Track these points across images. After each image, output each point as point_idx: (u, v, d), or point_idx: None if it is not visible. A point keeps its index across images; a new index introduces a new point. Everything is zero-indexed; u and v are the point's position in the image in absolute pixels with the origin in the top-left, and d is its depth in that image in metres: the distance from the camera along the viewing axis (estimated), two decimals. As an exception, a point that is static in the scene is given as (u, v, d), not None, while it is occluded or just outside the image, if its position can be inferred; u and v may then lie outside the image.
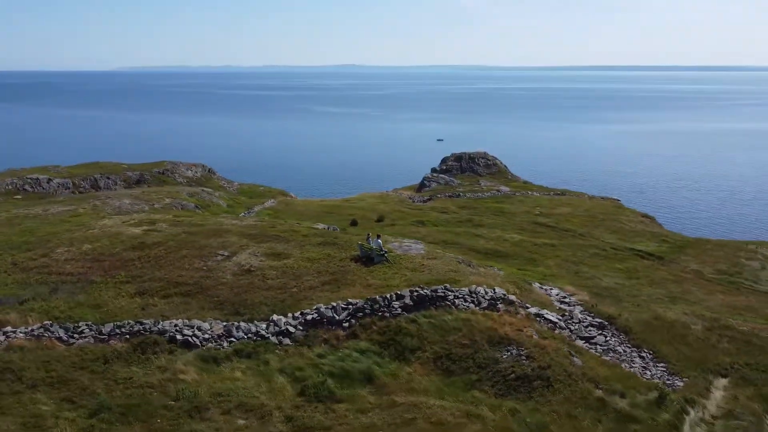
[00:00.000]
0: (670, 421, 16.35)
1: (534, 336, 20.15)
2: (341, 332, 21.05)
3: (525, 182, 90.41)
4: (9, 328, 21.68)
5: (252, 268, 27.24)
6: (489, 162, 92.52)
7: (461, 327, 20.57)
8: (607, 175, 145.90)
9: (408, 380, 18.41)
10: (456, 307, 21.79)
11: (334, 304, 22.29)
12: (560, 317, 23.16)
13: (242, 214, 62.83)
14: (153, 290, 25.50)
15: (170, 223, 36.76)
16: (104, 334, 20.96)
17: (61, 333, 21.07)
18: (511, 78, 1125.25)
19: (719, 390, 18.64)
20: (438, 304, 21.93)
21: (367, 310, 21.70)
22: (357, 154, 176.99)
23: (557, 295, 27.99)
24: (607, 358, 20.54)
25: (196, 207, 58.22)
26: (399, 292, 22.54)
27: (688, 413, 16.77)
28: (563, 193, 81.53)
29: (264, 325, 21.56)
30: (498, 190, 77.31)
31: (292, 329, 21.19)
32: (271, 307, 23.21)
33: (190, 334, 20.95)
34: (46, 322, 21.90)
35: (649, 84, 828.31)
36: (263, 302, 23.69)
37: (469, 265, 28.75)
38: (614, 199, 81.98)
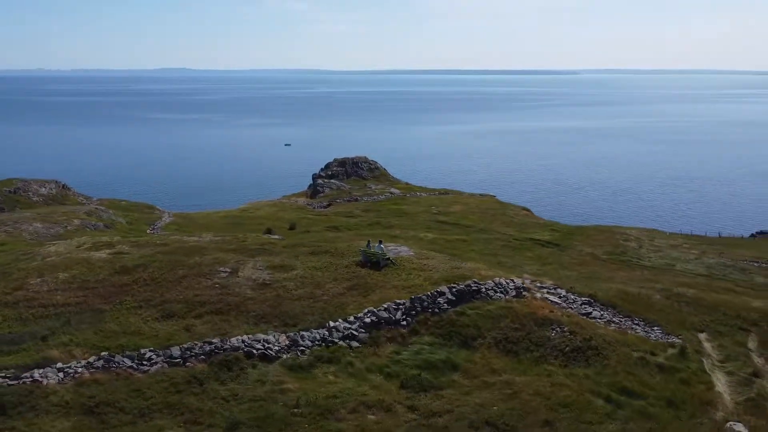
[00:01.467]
0: (698, 367, 21.02)
1: (565, 315, 24.00)
2: (403, 330, 23.18)
3: (407, 184, 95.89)
4: (60, 365, 20.81)
5: (267, 282, 28.03)
6: (371, 166, 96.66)
7: (506, 314, 23.76)
8: (459, 173, 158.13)
9: (485, 363, 21.18)
10: (491, 297, 24.94)
11: (386, 305, 24.30)
12: (559, 299, 27.24)
13: (149, 230, 60.40)
14: (179, 312, 25.38)
15: (130, 245, 35.49)
16: (177, 358, 21.03)
17: (128, 362, 20.76)
18: (345, 82, 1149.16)
19: (706, 342, 23.83)
20: (474, 296, 24.90)
21: (418, 308, 24.04)
22: (209, 163, 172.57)
23: (529, 281, 32.18)
24: (613, 328, 24.92)
25: (105, 226, 55.10)
26: (439, 290, 25.17)
27: (702, 361, 21.58)
28: (446, 192, 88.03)
29: (325, 332, 22.95)
30: (391, 192, 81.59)
31: (355, 332, 22.87)
32: (316, 316, 24.52)
33: (262, 347, 21.77)
34: (103, 354, 21.33)
35: (471, 87, 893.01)
36: (304, 312, 24.87)
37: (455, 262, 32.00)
38: (491, 195, 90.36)
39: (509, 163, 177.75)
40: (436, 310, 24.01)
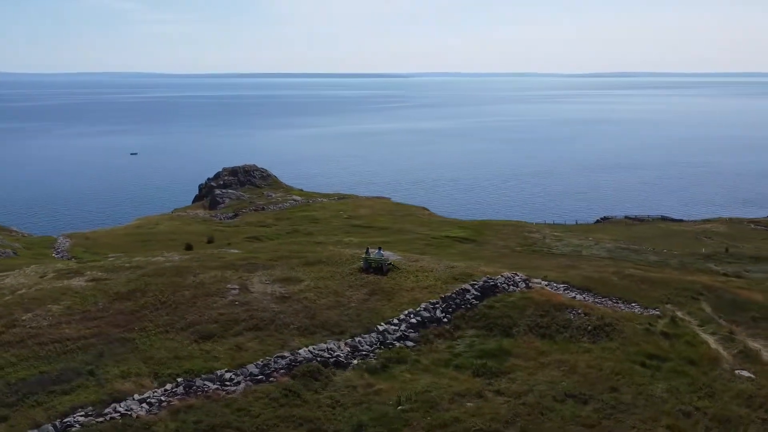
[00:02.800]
0: (691, 331, 25.81)
1: (571, 300, 27.80)
2: (446, 326, 25.44)
3: (301, 190, 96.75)
4: (137, 396, 20.37)
5: (285, 295, 28.72)
6: (263, 174, 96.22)
7: (528, 303, 26.96)
8: (327, 177, 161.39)
9: (530, 347, 24.14)
10: (507, 290, 28.04)
11: (423, 305, 26.39)
12: (547, 287, 31.07)
13: (54, 255, 56.18)
14: (216, 332, 25.35)
15: (100, 270, 33.79)
16: (258, 375, 21.49)
17: (211, 384, 20.86)
18: (182, 86, 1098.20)
19: (677, 311, 28.92)
20: (494, 291, 27.83)
21: (452, 306, 26.43)
22: (49, 177, 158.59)
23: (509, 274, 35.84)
24: (607, 308, 29.15)
25: (14, 253, 50.40)
26: (463, 287, 27.74)
27: (688, 326, 26.47)
28: (344, 197, 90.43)
29: (378, 336, 24.51)
30: (294, 200, 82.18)
31: (405, 333, 24.73)
32: (356, 322, 25.85)
33: (329, 355, 22.88)
34: (179, 379, 21.14)
35: (314, 90, 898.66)
36: (343, 320, 26.08)
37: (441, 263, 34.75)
38: (386, 198, 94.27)
39: (373, 165, 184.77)
40: (468, 305, 26.60)
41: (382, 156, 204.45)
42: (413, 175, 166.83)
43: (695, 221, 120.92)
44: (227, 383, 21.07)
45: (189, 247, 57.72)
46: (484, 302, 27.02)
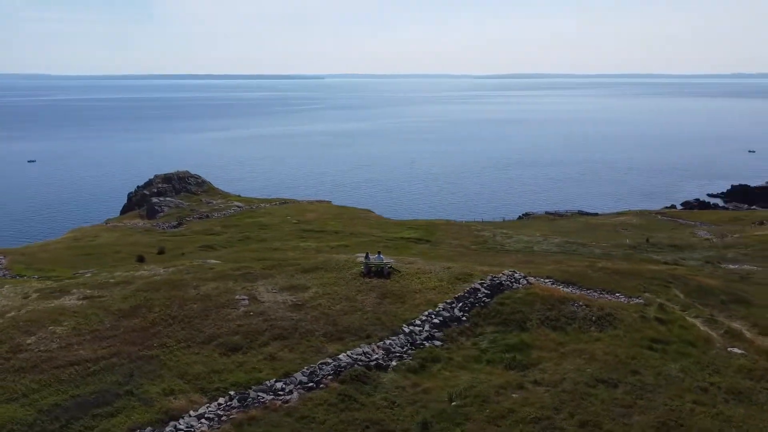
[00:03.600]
0: (680, 316, 28.55)
1: (568, 293, 29.91)
2: (466, 324, 26.73)
3: (239, 196, 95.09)
4: (192, 413, 20.25)
5: (298, 303, 29.01)
6: (198, 180, 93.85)
7: (534, 299, 28.74)
8: (257, 180, 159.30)
9: (547, 339, 25.87)
10: (511, 287, 29.74)
11: (441, 305, 27.55)
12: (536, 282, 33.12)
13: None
14: (242, 344, 25.37)
15: (88, 287, 32.52)
16: (308, 382, 21.85)
17: (266, 395, 21.05)
18: (75, 88, 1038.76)
19: (657, 299, 31.77)
20: (500, 289, 29.44)
21: (468, 304, 27.77)
22: None
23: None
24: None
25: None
26: (473, 286, 29.15)
27: (675, 311, 29.26)
28: (285, 201, 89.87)
29: (407, 337, 25.44)
30: (237, 206, 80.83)
31: (430, 333, 25.81)
32: (379, 325, 26.59)
33: (368, 359, 23.59)
34: (230, 392, 21.14)
35: (223, 93, 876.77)
36: (365, 324, 26.74)
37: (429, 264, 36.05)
38: (327, 201, 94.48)
39: (295, 168, 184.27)
40: (481, 304, 28.05)
41: (304, 159, 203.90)
42: (339, 177, 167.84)
43: (609, 214, 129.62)
44: (280, 393, 21.33)
45: (141, 259, 55.79)
46: (494, 300, 28.57)
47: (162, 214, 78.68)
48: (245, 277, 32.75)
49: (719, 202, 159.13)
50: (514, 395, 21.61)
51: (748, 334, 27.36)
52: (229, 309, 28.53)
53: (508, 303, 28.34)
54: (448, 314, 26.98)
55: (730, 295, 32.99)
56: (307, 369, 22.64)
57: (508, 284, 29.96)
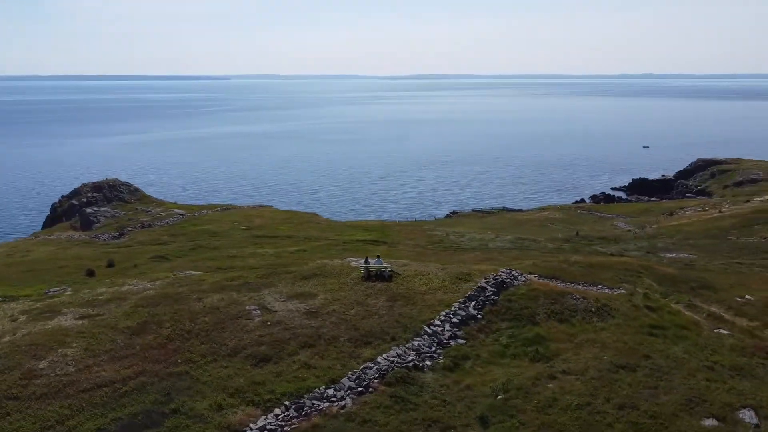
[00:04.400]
0: (665, 303, 31.23)
1: (563, 288, 31.93)
2: (482, 322, 27.99)
3: (175, 203, 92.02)
4: (253, 426, 20.34)
5: (312, 310, 29.23)
6: (131, 188, 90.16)
7: (537, 294, 30.46)
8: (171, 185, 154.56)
9: (558, 331, 27.57)
10: (514, 284, 31.35)
11: (456, 305, 28.66)
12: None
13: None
14: (270, 354, 25.39)
15: (79, 305, 31.16)
16: (357, 387, 22.32)
17: (320, 403, 21.33)
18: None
19: (637, 288, 34.48)
20: (503, 286, 30.98)
21: (480, 303, 29.06)
22: None
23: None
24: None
25: None
26: (480, 285, 30.48)
27: (659, 299, 31.96)
28: (227, 207, 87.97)
29: (433, 338, 26.38)
30: (179, 214, 78.35)
31: (451, 332, 26.90)
32: (400, 327, 27.29)
33: (403, 361, 24.33)
34: (285, 403, 21.28)
35: (122, 94, 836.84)
36: (386, 326, 27.35)
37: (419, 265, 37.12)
38: (268, 206, 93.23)
39: (213, 171, 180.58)
40: (491, 301, 29.45)
41: (221, 162, 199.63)
42: (260, 180, 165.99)
43: (533, 210, 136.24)
44: (333, 399, 21.68)
45: (91, 273, 53.42)
46: (501, 297, 30.07)
47: (98, 225, 74.81)
48: (246, 288, 32.45)
49: (623, 194, 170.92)
50: (549, 385, 23.11)
51: (727, 316, 30.47)
52: (243, 320, 28.30)
53: (515, 299, 29.92)
54: (464, 313, 28.17)
55: (696, 282, 36.37)
56: (353, 374, 23.09)
57: (509, 282, 31.58)
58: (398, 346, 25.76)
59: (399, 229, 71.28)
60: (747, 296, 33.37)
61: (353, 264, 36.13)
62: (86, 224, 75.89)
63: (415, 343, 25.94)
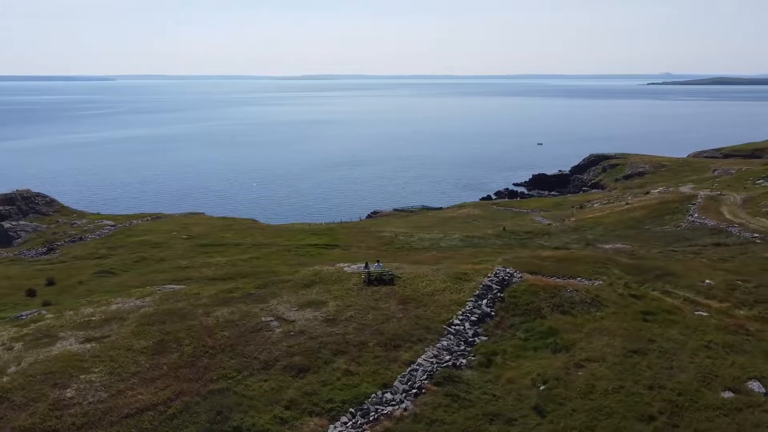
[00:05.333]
0: (645, 291, 34.21)
1: (558, 281, 34.15)
2: (497, 318, 29.49)
3: (98, 213, 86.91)
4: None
5: (329, 317, 29.48)
6: (47, 200, 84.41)
7: (537, 290, 32.36)
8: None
9: (565, 322, 29.57)
10: (513, 282, 33.12)
11: (470, 304, 29.95)
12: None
13: None
14: (305, 364, 25.48)
15: (71, 328, 29.47)
16: (411, 389, 23.04)
17: (382, 407, 21.88)
18: None
19: (614, 280, 37.41)
20: (504, 283, 32.67)
21: (490, 300, 30.54)
22: None
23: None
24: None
25: None
26: (485, 284, 31.96)
27: (638, 288, 34.99)
28: (158, 216, 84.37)
29: (458, 337, 27.55)
30: (110, 226, 74.26)
31: (476, 330, 28.20)
32: (423, 329, 28.12)
33: (440, 361, 25.35)
34: (350, 410, 21.61)
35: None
36: (407, 329, 28.20)
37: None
38: (200, 213, 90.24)
39: (113, 180, 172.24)
40: (499, 299, 31.05)
41: (121, 168, 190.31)
42: (166, 185, 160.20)
43: (452, 207, 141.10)
44: (392, 403, 22.32)
45: (31, 293, 50.17)
46: (505, 293, 31.77)
47: (20, 240, 69.28)
48: (251, 299, 32.02)
49: (524, 190, 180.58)
50: (579, 373, 24.99)
51: (700, 300, 33.96)
52: (264, 332, 28.09)
53: (518, 295, 31.71)
54: (479, 311, 29.56)
55: (659, 270, 39.99)
56: (403, 377, 23.80)
57: (508, 279, 33.36)
58: (428, 347, 26.68)
59: (345, 231, 71.78)
60: (707, 281, 37.26)
61: (347, 270, 36.51)
62: (5, 241, 70.02)
63: (444, 343, 26.98)
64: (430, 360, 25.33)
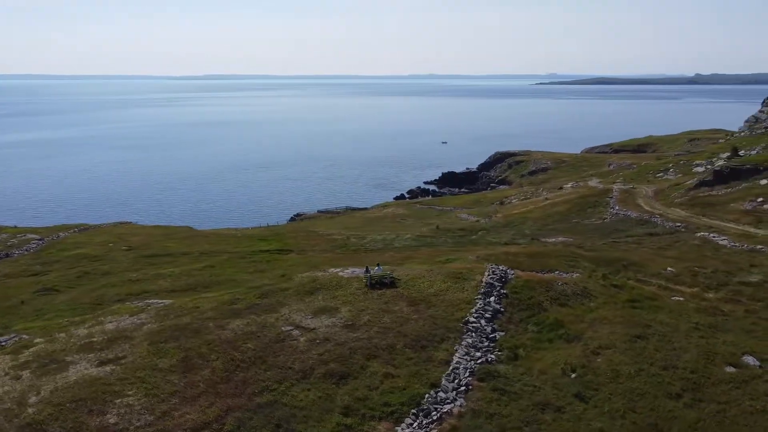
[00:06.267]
0: (623, 281, 37.07)
1: (545, 275, 36.24)
2: (505, 314, 30.97)
3: (15, 226, 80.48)
4: (397, 437, 21.02)
5: (347, 323, 29.78)
6: (-45, 214, 76.71)
7: (533, 285, 34.16)
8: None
9: (566, 314, 31.60)
10: (508, 278, 34.78)
11: (480, 303, 31.22)
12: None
13: None
14: (344, 371, 25.79)
15: (76, 352, 27.92)
16: (458, 388, 23.99)
17: (442, 406, 22.69)
18: None
19: (590, 271, 40.13)
20: (503, 280, 34.28)
21: (497, 298, 32.00)
22: None
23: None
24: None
25: None
26: (489, 282, 33.38)
27: (615, 278, 37.84)
28: (86, 227, 79.53)
29: (478, 334, 28.76)
30: (37, 239, 69.14)
31: (492, 326, 29.57)
32: (443, 328, 29.00)
33: (475, 357, 26.50)
34: (413, 411, 22.19)
35: None
36: (428, 329, 29.07)
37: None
38: (127, 222, 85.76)
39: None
40: (503, 295, 32.60)
41: (16, 174, 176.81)
42: (60, 193, 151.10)
43: (376, 207, 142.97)
44: (447, 401, 23.18)
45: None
46: (506, 290, 33.40)
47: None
48: (259, 309, 31.59)
49: (435, 188, 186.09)
50: (599, 360, 27.01)
51: (672, 286, 37.32)
52: (289, 341, 27.97)
53: (518, 291, 33.45)
54: (491, 308, 30.96)
55: (622, 261, 43.33)
56: (448, 376, 24.68)
57: (504, 276, 35.05)
58: (456, 345, 27.72)
59: (293, 235, 71.23)
60: (669, 268, 40.96)
61: (341, 274, 36.77)
62: None
63: (469, 340, 28.14)
64: (464, 357, 26.40)
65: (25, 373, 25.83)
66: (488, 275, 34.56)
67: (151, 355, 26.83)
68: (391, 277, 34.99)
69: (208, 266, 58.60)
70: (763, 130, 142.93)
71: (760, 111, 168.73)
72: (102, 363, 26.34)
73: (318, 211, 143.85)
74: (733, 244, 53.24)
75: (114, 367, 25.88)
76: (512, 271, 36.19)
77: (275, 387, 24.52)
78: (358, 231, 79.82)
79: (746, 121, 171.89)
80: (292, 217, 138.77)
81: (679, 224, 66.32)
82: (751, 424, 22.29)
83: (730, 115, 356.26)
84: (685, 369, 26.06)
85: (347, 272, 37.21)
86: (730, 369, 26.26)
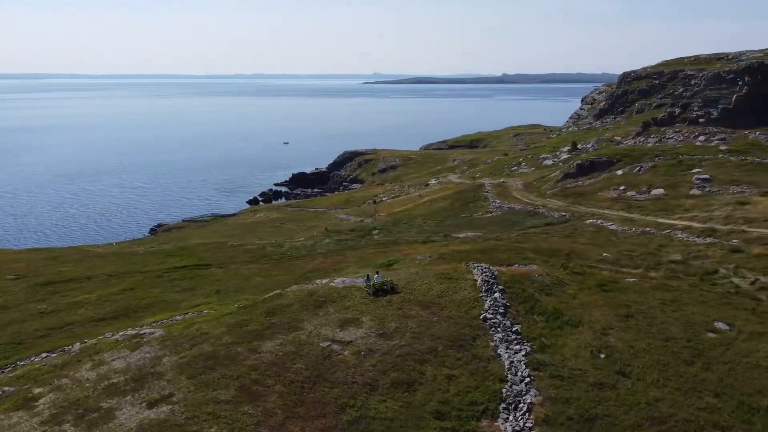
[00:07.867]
0: (582, 268, 41.49)
1: (523, 269, 39.48)
2: (512, 309, 33.50)
3: None
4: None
5: (379, 332, 30.40)
6: None
7: (519, 280, 37.01)
8: None
9: (557, 303, 34.91)
10: (503, 275, 37.34)
11: (489, 300, 33.36)
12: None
13: None
14: (409, 379, 26.64)
15: (111, 394, 25.35)
16: (524, 379, 25.95)
17: (521, 398, 24.50)
18: None
19: (545, 261, 44.13)
20: (494, 277, 36.76)
21: (501, 294, 34.36)
22: None
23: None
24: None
25: None
26: (486, 279, 35.56)
27: (580, 266, 42.23)
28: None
29: (503, 330, 30.96)
30: None
31: (509, 321, 31.93)
32: (467, 328, 30.92)
33: (513, 350, 28.68)
34: (502, 407, 23.67)
35: None
36: (454, 329, 30.71)
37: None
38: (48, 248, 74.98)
39: None
40: (502, 291, 35.12)
41: None
42: None
43: (246, 212, 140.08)
44: (523, 393, 25.15)
45: None
46: (501, 286, 36.00)
47: None
48: (282, 328, 30.83)
49: (287, 189, 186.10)
50: (612, 339, 30.68)
51: (620, 269, 42.53)
52: (335, 356, 27.99)
53: (509, 285, 36.19)
54: (500, 304, 33.33)
55: (562, 250, 48.15)
56: (510, 370, 26.59)
57: (492, 273, 37.63)
58: (491, 341, 29.69)
59: (203, 248, 67.87)
60: (605, 254, 46.55)
61: (332, 284, 36.83)
62: None
63: (500, 335, 30.27)
64: (507, 351, 28.44)
65: (67, 427, 22.93)
66: (481, 274, 36.91)
67: (199, 389, 25.24)
68: (392, 284, 35.87)
69: (127, 289, 54.18)
70: (588, 126, 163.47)
71: (581, 108, 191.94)
72: (151, 405, 24.25)
73: (183, 221, 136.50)
74: (623, 228, 61.22)
75: (170, 406, 24.01)
76: (494, 268, 38.91)
77: (352, 404, 24.61)
78: (249, 238, 78.23)
79: (570, 117, 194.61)
80: (152, 229, 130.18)
81: (564, 213, 74.15)
82: (757, 377, 27.10)
83: (542, 112, 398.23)
84: (681, 339, 30.60)
85: (339, 281, 37.33)
86: (711, 335, 31.31)
